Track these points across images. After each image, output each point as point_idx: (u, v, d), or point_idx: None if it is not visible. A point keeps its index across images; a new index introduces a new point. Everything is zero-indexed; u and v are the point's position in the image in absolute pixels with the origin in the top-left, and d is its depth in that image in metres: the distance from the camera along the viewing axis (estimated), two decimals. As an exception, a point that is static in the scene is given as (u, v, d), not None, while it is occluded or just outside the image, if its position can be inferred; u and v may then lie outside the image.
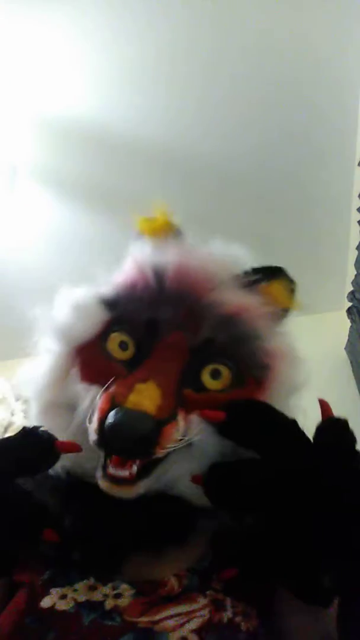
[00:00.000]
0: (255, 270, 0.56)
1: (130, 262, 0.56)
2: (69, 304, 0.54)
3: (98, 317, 0.53)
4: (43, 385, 0.53)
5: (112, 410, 0.43)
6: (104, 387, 0.47)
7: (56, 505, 0.48)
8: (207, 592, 0.47)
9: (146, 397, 0.45)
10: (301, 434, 0.44)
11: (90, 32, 1.35)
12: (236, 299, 0.52)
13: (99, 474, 0.45)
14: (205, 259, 0.55)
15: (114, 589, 0.47)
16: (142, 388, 0.45)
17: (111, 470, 0.44)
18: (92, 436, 0.45)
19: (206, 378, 0.49)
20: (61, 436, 0.46)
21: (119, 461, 0.44)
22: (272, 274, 0.57)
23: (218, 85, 1.46)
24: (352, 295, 1.79)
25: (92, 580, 0.47)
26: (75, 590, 0.47)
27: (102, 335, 0.52)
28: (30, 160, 1.60)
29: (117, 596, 0.46)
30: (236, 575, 0.43)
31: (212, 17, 1.32)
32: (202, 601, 0.46)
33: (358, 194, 1.61)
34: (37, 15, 1.31)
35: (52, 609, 0.45)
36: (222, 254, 0.56)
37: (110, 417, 0.43)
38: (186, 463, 0.47)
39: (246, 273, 0.56)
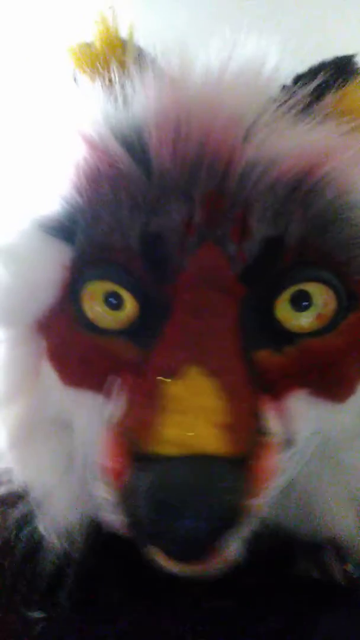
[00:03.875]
0: (307, 75, 0.31)
1: (74, 142, 0.30)
2: None
3: (49, 262, 0.29)
4: (6, 399, 0.32)
5: (135, 469, 0.23)
6: (104, 401, 0.27)
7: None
8: None
9: (199, 413, 0.24)
10: None
11: None
12: (300, 143, 0.28)
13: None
14: (213, 83, 0.28)
15: None
16: (182, 393, 0.24)
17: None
18: (114, 519, 0.25)
19: (286, 314, 0.28)
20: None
21: None
22: (340, 69, 0.31)
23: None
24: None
25: None
26: None
27: (70, 294, 0.29)
28: None
29: None
30: None
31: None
32: None
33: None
34: None
35: None
36: (238, 64, 0.29)
37: (143, 495, 0.23)
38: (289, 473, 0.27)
39: (288, 87, 0.30)
